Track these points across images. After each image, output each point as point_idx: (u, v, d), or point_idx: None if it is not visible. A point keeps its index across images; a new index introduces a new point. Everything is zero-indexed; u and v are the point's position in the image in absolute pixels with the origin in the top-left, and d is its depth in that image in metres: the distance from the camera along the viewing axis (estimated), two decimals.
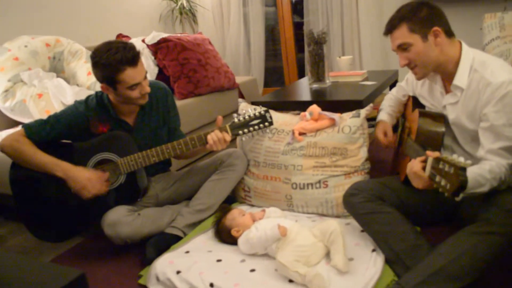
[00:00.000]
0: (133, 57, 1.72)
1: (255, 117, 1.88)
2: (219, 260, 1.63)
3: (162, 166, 2.10)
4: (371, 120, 2.24)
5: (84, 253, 1.98)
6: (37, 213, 1.88)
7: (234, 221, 1.75)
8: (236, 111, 2.10)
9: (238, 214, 1.78)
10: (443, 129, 1.57)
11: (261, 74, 4.63)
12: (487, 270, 1.29)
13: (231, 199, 2.16)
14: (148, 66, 3.11)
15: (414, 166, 1.33)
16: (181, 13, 4.49)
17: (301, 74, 4.62)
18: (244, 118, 1.88)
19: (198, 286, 1.50)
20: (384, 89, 2.74)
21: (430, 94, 1.70)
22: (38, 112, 2.56)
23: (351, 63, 3.04)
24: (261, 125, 1.88)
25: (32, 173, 1.82)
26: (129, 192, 1.89)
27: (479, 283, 1.29)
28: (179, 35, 3.24)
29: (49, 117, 1.88)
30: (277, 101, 2.56)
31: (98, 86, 1.84)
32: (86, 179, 1.77)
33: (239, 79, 3.54)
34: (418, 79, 1.63)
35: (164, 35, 3.16)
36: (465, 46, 1.54)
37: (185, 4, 4.49)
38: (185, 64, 3.03)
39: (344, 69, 3.00)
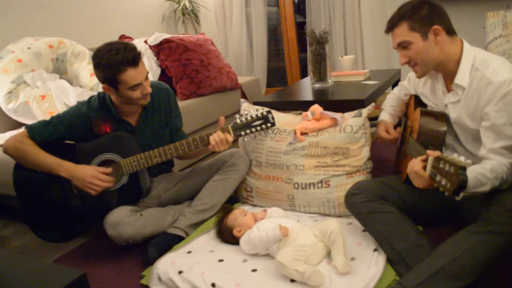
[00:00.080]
0: (134, 58, 1.73)
1: (257, 118, 1.88)
2: (221, 260, 1.64)
3: (164, 166, 2.11)
4: (373, 119, 2.24)
5: (87, 253, 1.99)
6: (41, 214, 1.89)
7: (236, 221, 1.75)
8: (238, 111, 2.10)
9: (240, 214, 1.78)
10: (444, 128, 1.56)
11: (264, 74, 4.63)
12: (488, 269, 1.28)
13: (233, 199, 2.16)
14: (151, 67, 3.12)
15: (414, 165, 1.33)
16: (183, 14, 4.51)
17: (304, 74, 4.62)
18: (246, 119, 1.88)
19: (200, 286, 1.50)
20: (387, 88, 2.74)
21: (432, 93, 1.70)
22: (41, 113, 2.58)
23: (353, 62, 3.04)
24: (263, 126, 1.88)
25: (36, 174, 1.83)
26: (132, 192, 1.89)
27: (480, 283, 1.29)
28: (181, 35, 3.25)
29: (52, 118, 1.89)
30: (279, 101, 2.56)
31: (101, 87, 1.85)
32: (91, 176, 1.78)
33: (241, 80, 3.55)
34: (419, 77, 1.63)
35: (167, 36, 3.17)
36: (466, 45, 1.53)
37: (187, 5, 4.50)
38: (188, 64, 3.04)
39: (346, 68, 3.00)
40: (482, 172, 1.32)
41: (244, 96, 3.45)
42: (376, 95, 2.49)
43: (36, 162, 1.81)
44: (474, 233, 1.31)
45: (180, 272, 1.57)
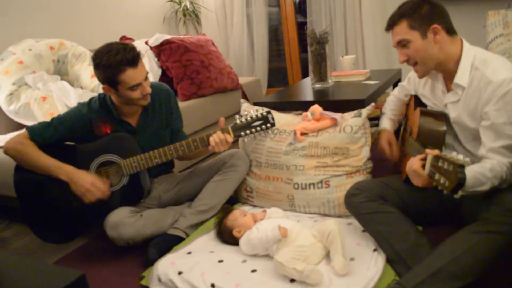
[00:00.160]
0: (133, 58, 1.74)
1: (257, 119, 1.88)
2: (220, 261, 1.64)
3: (165, 167, 2.11)
4: (374, 119, 2.24)
5: (87, 254, 1.99)
6: (41, 215, 1.89)
7: (235, 222, 1.75)
8: (239, 112, 2.11)
9: (239, 214, 1.78)
10: (444, 127, 1.56)
11: (265, 75, 4.63)
12: (488, 269, 1.28)
13: (234, 200, 2.16)
14: (152, 68, 3.13)
15: (413, 164, 1.33)
16: (184, 15, 4.51)
17: (305, 74, 4.61)
18: (246, 119, 1.88)
19: (199, 286, 1.50)
20: (387, 88, 2.73)
21: (432, 93, 1.70)
22: (42, 115, 2.58)
23: (354, 62, 3.04)
24: (263, 126, 1.88)
25: (36, 176, 1.84)
26: (132, 193, 1.89)
27: (480, 283, 1.28)
28: (182, 36, 3.25)
29: (53, 119, 1.90)
30: (279, 101, 2.56)
31: (101, 89, 1.86)
32: (90, 183, 1.78)
33: (242, 80, 3.55)
34: (420, 77, 1.63)
35: (167, 36, 3.17)
36: (466, 44, 1.53)
37: (188, 6, 4.51)
38: (188, 65, 3.04)
39: (347, 68, 2.99)
40: (481, 172, 1.32)
41: (245, 96, 3.45)
42: (377, 95, 2.48)
43: (36, 164, 1.81)
44: (474, 232, 1.31)
45: (180, 273, 1.58)
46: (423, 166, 1.29)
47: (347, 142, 1.92)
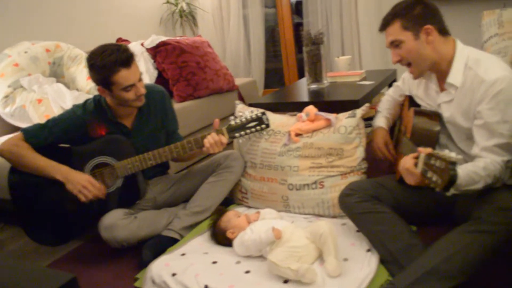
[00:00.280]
0: (126, 58, 1.74)
1: (252, 120, 1.88)
2: (214, 262, 1.63)
3: (160, 169, 2.11)
4: (369, 120, 2.23)
5: (81, 256, 1.98)
6: (36, 217, 1.89)
7: (229, 223, 1.75)
8: (234, 113, 2.11)
9: (233, 216, 1.78)
10: (438, 127, 1.56)
11: (261, 76, 4.63)
12: (480, 268, 1.28)
13: (229, 201, 2.16)
14: (148, 70, 3.13)
15: (406, 162, 1.33)
16: (181, 16, 4.51)
17: (301, 75, 4.60)
18: (241, 120, 1.88)
19: None
20: (382, 88, 2.73)
21: (425, 93, 1.70)
22: (37, 117, 2.58)
23: (349, 63, 3.03)
24: (258, 128, 1.88)
25: (31, 178, 1.83)
26: (127, 195, 1.89)
27: (472, 282, 1.28)
28: (178, 38, 3.25)
29: (48, 121, 1.90)
30: (274, 102, 2.56)
31: (97, 90, 1.86)
32: (86, 180, 1.78)
33: (239, 81, 3.55)
34: (415, 78, 1.63)
35: (163, 38, 3.17)
36: (459, 44, 1.53)
37: (185, 7, 4.51)
38: (184, 67, 3.04)
39: (343, 69, 2.99)
40: (475, 170, 1.32)
41: (241, 97, 3.45)
42: (371, 96, 2.48)
43: (31, 165, 1.81)
44: (466, 232, 1.31)
45: (173, 275, 1.57)
46: (416, 165, 1.29)
47: (342, 142, 1.92)
